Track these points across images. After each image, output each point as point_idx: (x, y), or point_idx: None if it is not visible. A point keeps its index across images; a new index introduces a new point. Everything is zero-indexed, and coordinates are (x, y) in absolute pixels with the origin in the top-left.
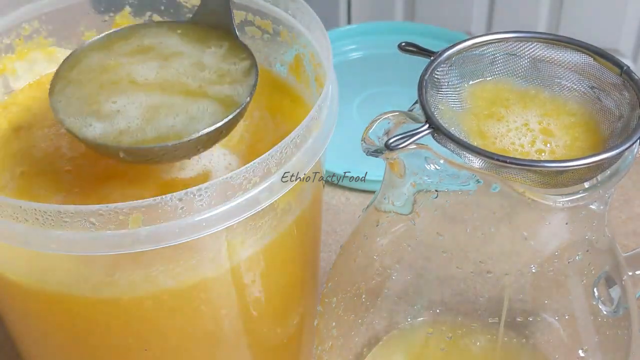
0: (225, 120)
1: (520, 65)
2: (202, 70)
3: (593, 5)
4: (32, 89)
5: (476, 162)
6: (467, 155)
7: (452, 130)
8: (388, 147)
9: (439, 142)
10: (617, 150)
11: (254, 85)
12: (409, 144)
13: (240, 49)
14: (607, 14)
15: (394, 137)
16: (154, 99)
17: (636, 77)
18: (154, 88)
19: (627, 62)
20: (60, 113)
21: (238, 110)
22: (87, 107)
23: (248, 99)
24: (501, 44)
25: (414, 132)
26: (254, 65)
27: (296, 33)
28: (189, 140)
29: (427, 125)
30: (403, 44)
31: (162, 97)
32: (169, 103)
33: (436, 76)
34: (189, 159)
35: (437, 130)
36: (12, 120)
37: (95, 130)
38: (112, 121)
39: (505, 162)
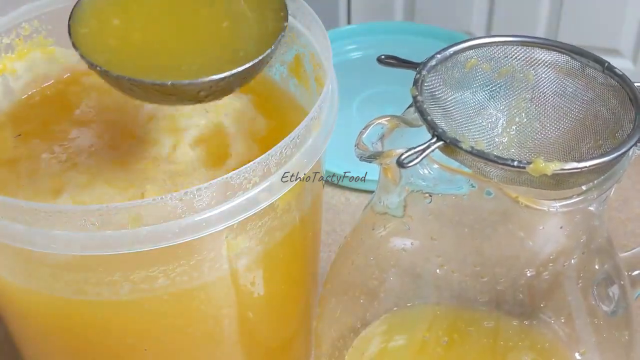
0: (232, 72)
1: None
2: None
3: (593, 5)
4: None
5: (493, 172)
6: (481, 165)
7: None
8: (401, 164)
9: (448, 155)
10: (615, 155)
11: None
12: (422, 159)
13: None
14: (607, 14)
15: (406, 154)
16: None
17: (619, 72)
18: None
19: (627, 62)
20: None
21: (248, 65)
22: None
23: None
24: (482, 49)
25: (425, 146)
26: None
27: (296, 33)
28: (189, 84)
29: (436, 138)
30: (383, 56)
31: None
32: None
33: (426, 88)
34: (192, 104)
35: (452, 142)
36: (16, 127)
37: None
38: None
39: (524, 168)
